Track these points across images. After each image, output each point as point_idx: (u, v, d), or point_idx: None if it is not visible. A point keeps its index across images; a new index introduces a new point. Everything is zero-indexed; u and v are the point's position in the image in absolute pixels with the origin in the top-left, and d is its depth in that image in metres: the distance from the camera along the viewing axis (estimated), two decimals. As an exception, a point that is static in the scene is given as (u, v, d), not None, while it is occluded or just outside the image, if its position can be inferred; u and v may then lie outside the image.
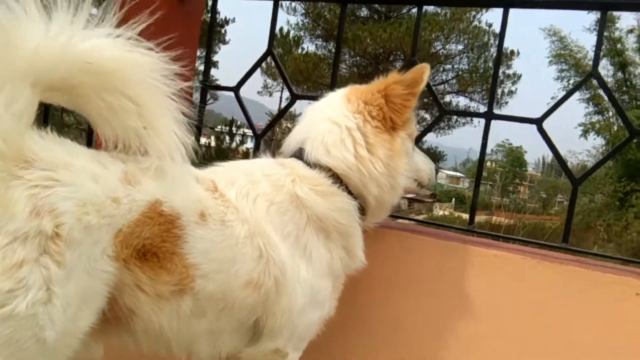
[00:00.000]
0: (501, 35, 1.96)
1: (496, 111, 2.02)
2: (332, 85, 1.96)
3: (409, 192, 1.94)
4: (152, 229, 1.17)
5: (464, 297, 1.82)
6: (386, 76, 1.64)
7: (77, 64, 1.10)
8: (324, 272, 1.50)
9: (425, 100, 2.28)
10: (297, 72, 21.73)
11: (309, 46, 24.79)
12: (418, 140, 1.98)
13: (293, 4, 22.71)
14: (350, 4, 2.07)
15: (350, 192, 1.56)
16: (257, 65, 2.15)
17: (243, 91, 2.11)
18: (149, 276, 1.17)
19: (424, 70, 1.59)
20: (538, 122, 1.92)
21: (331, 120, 1.58)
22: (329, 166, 1.53)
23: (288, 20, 23.67)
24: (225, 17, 26.00)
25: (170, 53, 1.25)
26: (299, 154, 1.59)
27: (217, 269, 1.28)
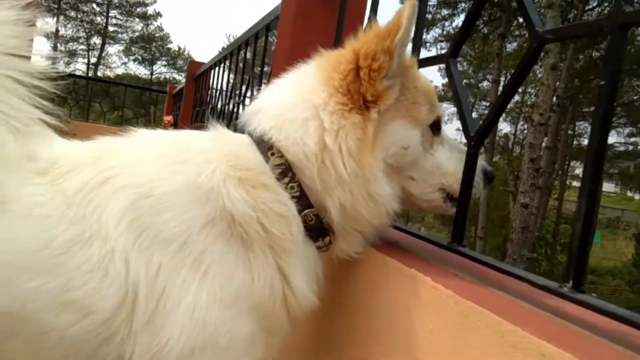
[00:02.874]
0: None
1: None
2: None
3: (430, 209, 1.23)
4: None
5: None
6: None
7: None
8: (235, 300, 0.96)
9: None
10: None
11: None
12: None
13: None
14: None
15: (303, 196, 1.05)
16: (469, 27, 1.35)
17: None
18: None
19: (401, 12, 1.03)
20: None
21: (296, 91, 1.12)
22: (280, 149, 1.06)
23: None
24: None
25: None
26: (247, 128, 1.14)
27: None
